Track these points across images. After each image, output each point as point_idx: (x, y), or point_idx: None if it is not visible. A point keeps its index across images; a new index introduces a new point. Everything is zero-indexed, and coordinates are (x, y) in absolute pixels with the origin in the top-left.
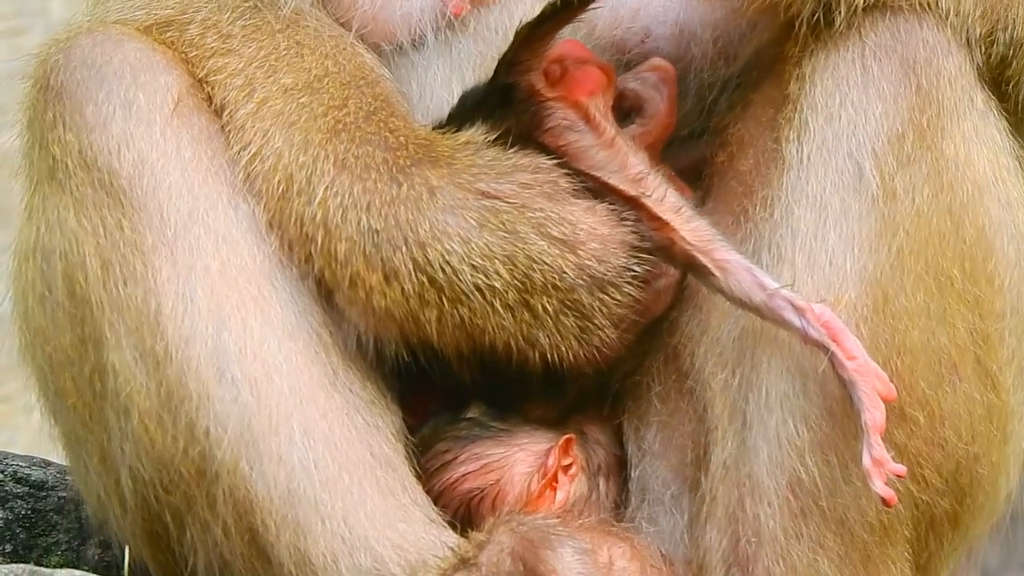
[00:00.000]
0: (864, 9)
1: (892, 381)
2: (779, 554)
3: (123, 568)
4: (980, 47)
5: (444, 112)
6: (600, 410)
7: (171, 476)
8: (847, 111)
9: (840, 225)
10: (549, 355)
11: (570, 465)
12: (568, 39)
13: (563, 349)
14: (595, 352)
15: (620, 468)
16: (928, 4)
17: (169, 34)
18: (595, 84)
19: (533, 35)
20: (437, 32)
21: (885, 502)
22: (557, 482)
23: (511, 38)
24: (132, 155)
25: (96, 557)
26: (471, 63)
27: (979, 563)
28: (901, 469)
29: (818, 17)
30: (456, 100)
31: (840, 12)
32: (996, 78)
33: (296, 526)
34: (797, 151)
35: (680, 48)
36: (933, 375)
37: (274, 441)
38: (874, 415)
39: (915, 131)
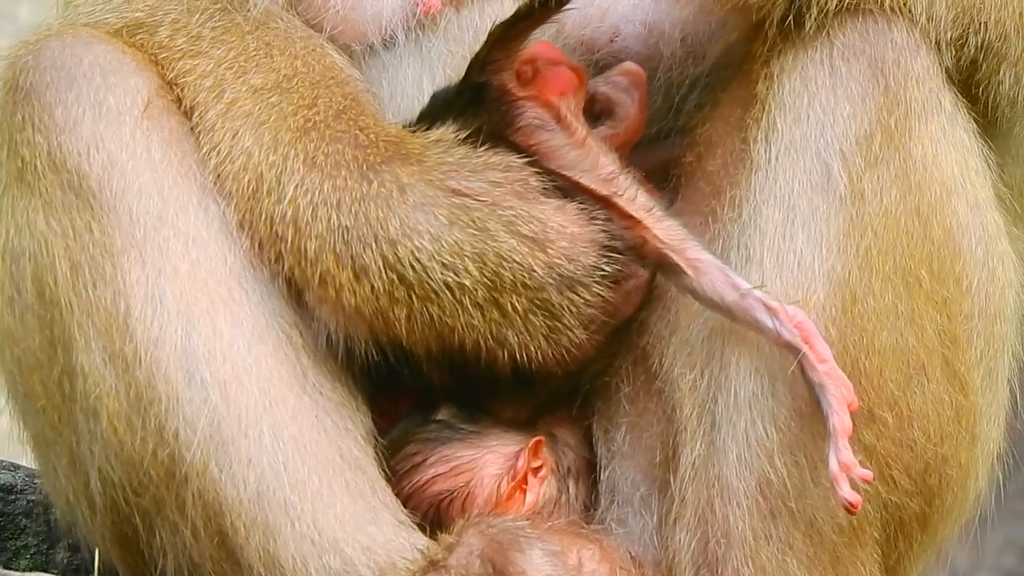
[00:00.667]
0: (834, 11)
1: (861, 382)
2: (748, 555)
3: (93, 571)
4: (951, 50)
5: (415, 112)
6: (570, 412)
7: (140, 478)
8: (815, 111)
9: (808, 225)
10: (518, 355)
11: (540, 467)
12: (540, 40)
13: (532, 349)
14: (564, 352)
15: (590, 470)
16: (899, 7)
17: (139, 37)
18: (566, 85)
19: (506, 35)
20: (408, 32)
21: (850, 507)
22: (527, 484)
23: (483, 38)
24: (102, 157)
25: (65, 560)
26: (442, 62)
27: (948, 564)
28: (868, 474)
29: (789, 19)
30: (427, 99)
31: (811, 14)
32: (966, 81)
33: (266, 528)
34: (765, 151)
35: (649, 47)
36: (901, 376)
37: (244, 443)
38: (842, 419)
39: (883, 132)
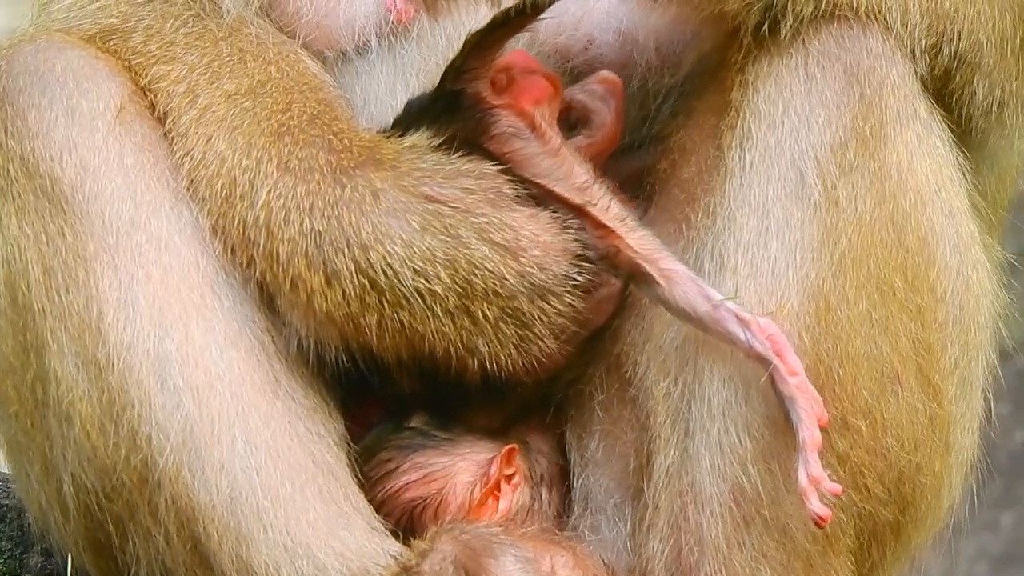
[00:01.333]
0: (809, 18)
1: (835, 390)
2: (721, 563)
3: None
4: (925, 58)
5: (388, 118)
6: (543, 420)
7: (113, 484)
8: (790, 118)
9: (782, 233)
10: (488, 363)
11: (513, 474)
12: (515, 49)
13: (502, 357)
14: (534, 361)
15: (563, 478)
16: (874, 14)
17: (112, 42)
18: (541, 93)
19: (482, 43)
20: (381, 39)
21: (819, 521)
22: (499, 491)
23: (456, 45)
24: (74, 162)
25: (39, 565)
26: (415, 69)
27: (921, 573)
28: (837, 488)
29: (764, 26)
30: (401, 106)
31: (787, 21)
32: (940, 90)
33: (238, 534)
34: (740, 158)
35: (623, 55)
36: (875, 384)
37: (216, 449)
38: (812, 432)
39: (858, 139)
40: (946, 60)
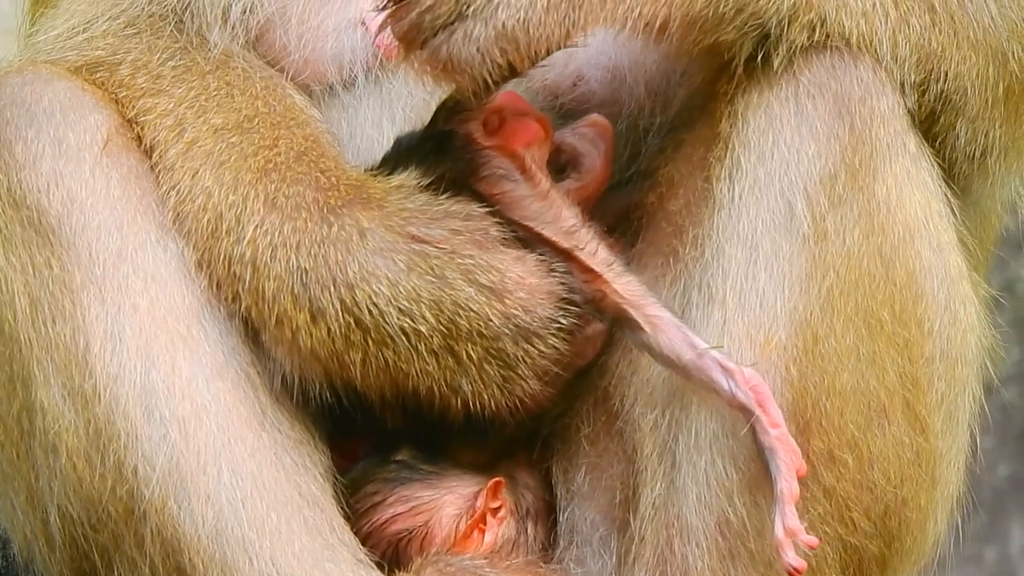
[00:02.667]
0: (802, 48)
1: (821, 423)
2: None
3: None
4: (913, 95)
5: (375, 152)
6: (529, 454)
7: (99, 515)
8: (780, 150)
9: (771, 265)
10: (471, 403)
11: (499, 508)
12: (507, 91)
13: (486, 397)
14: (517, 402)
15: (549, 512)
16: (865, 45)
17: (99, 74)
18: (532, 136)
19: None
20: (368, 73)
21: (794, 572)
22: (485, 524)
23: None
24: (61, 193)
25: None
26: (402, 103)
27: None
28: (813, 541)
29: (757, 57)
30: (388, 141)
31: (780, 51)
32: (925, 132)
33: (224, 565)
34: (728, 190)
35: (613, 92)
36: (862, 418)
37: (202, 480)
38: (790, 485)
39: (847, 171)
40: (932, 99)
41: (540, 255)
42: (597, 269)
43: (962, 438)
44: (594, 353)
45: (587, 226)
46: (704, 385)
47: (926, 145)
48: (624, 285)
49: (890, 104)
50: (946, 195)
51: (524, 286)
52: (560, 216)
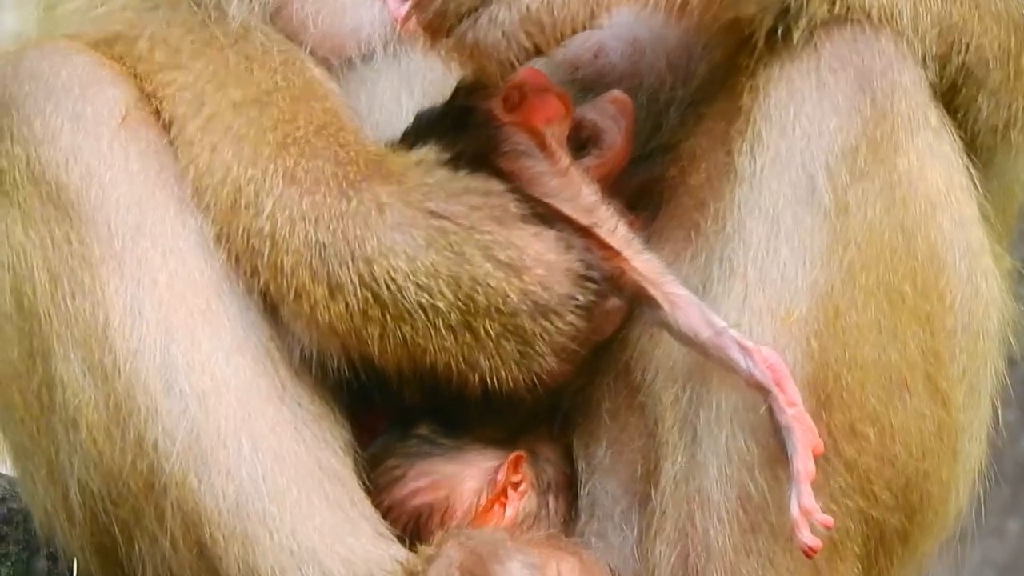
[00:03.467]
0: (822, 21)
1: (843, 396)
2: (728, 569)
3: None
4: (935, 66)
5: (393, 125)
6: (550, 428)
7: (119, 489)
8: (801, 123)
9: (792, 239)
10: (489, 379)
11: (520, 482)
12: (529, 67)
13: (503, 373)
14: (535, 378)
15: (570, 487)
16: (886, 18)
17: (118, 48)
18: (553, 112)
19: None
20: (386, 46)
21: (810, 551)
22: (506, 498)
23: None
24: (80, 168)
25: (46, 569)
26: (420, 77)
27: None
28: (828, 520)
29: (777, 31)
30: (407, 114)
31: (801, 24)
32: (947, 105)
33: (244, 539)
34: (750, 164)
35: (633, 65)
36: (883, 391)
37: (223, 454)
38: (807, 463)
39: (869, 145)
40: (953, 72)
41: (559, 232)
42: (616, 246)
43: (984, 411)
44: (612, 330)
45: (607, 203)
46: (722, 363)
47: (948, 118)
48: (643, 263)
49: (912, 77)
50: (968, 168)
51: (543, 263)
52: (579, 193)
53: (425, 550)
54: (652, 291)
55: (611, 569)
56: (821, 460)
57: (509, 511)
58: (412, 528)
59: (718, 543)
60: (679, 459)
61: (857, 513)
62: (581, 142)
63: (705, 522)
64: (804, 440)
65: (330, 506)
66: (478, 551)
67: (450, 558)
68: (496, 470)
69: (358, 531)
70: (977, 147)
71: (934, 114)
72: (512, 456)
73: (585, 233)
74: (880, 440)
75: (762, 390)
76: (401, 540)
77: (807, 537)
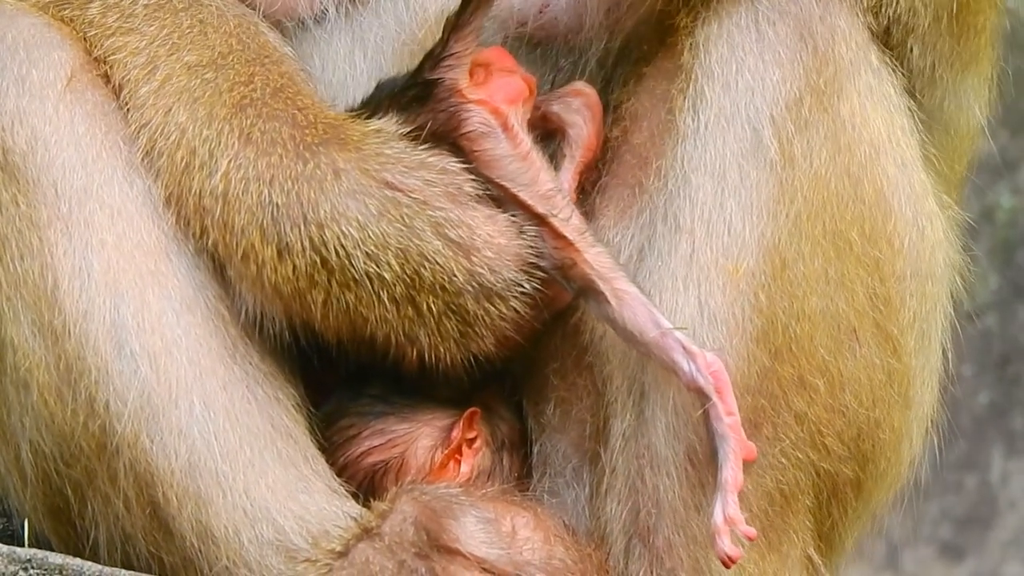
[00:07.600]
0: None
1: (792, 348)
2: (679, 525)
3: (24, 541)
4: (868, 16)
5: (347, 86)
6: (503, 386)
7: (71, 450)
8: (744, 78)
9: (739, 193)
10: (426, 354)
11: (475, 438)
12: (495, 46)
13: (441, 351)
14: (472, 358)
15: (524, 443)
16: None
17: (68, 12)
18: (517, 94)
19: (460, 23)
20: (339, 6)
21: (728, 561)
22: (461, 454)
23: (414, 10)
24: (25, 131)
25: None
26: (373, 37)
27: (884, 535)
28: (752, 532)
29: None
30: (363, 77)
31: None
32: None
33: (197, 498)
34: (693, 121)
35: (578, 18)
36: (832, 341)
37: (174, 414)
38: (737, 474)
39: (812, 94)
40: (885, 21)
41: (512, 216)
42: (569, 236)
43: (935, 358)
44: (549, 319)
45: (563, 192)
46: (664, 365)
47: (887, 58)
48: (595, 256)
49: (849, 20)
50: (909, 109)
51: (492, 246)
52: (537, 179)
53: (379, 506)
54: (601, 285)
55: (565, 524)
56: (771, 413)
57: (464, 467)
58: (367, 485)
59: (668, 499)
60: (628, 416)
61: (808, 465)
62: (546, 133)
63: (655, 478)
64: (737, 450)
65: (283, 464)
66: (432, 506)
67: (405, 513)
68: (451, 427)
69: (311, 488)
70: (913, 89)
71: (874, 53)
72: (467, 412)
73: (539, 220)
74: (830, 390)
75: (701, 396)
76: (355, 497)
77: (727, 546)
